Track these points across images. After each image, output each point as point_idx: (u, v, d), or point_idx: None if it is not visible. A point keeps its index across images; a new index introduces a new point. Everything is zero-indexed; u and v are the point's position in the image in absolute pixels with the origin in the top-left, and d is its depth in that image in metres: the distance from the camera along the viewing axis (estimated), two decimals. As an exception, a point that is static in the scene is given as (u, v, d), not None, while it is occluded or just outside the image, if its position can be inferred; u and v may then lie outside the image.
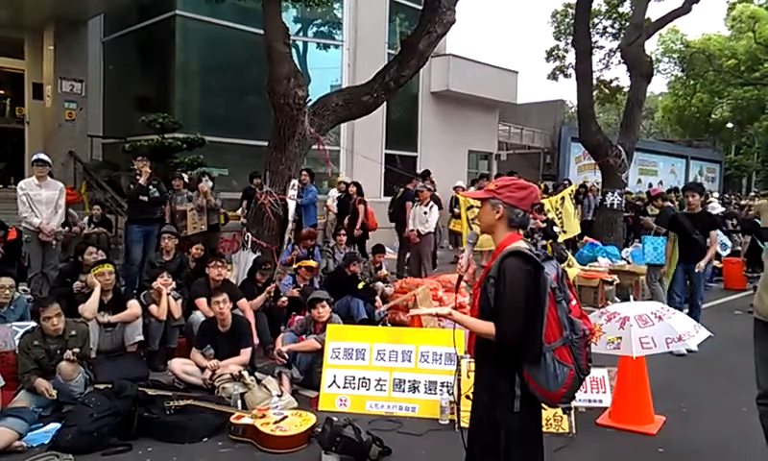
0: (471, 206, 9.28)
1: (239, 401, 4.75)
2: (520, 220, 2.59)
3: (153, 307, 5.80)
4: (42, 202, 7.02)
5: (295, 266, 7.54)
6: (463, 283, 2.90)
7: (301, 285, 7.21)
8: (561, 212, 10.39)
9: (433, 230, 9.96)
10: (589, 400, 5.00)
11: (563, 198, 10.80)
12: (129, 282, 7.37)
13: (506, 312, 2.41)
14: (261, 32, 7.46)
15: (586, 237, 11.67)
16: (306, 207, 9.86)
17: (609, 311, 4.93)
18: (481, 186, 11.29)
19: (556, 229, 9.94)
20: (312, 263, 7.50)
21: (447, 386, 4.90)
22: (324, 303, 5.59)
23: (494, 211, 2.58)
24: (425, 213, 9.70)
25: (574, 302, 2.51)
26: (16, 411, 4.24)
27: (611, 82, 23.87)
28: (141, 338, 5.63)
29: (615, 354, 4.60)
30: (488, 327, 2.45)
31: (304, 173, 9.64)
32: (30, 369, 4.56)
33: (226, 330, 5.37)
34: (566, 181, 14.71)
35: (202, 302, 6.00)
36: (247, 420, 4.36)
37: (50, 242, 7.05)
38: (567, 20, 22.64)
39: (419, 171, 16.48)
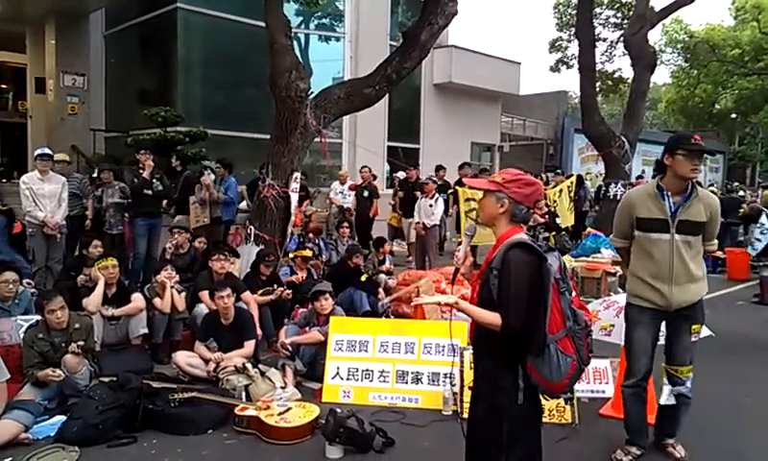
0: (468, 199, 9.27)
1: (243, 393, 4.77)
2: (523, 215, 2.58)
3: (157, 300, 5.82)
4: (45, 196, 7.04)
5: (291, 256, 7.57)
6: (461, 276, 2.89)
7: (298, 274, 7.24)
8: (556, 203, 10.41)
9: (438, 223, 9.97)
10: (592, 391, 5.02)
11: (561, 190, 10.81)
12: (133, 276, 7.39)
13: (511, 303, 2.39)
14: (263, 24, 7.45)
15: (589, 229, 11.66)
16: (228, 203, 9.06)
17: (609, 299, 4.96)
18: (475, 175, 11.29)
19: (558, 220, 9.94)
20: (307, 253, 7.51)
21: (450, 377, 4.92)
22: (327, 295, 5.61)
23: (499, 205, 2.56)
24: (431, 206, 9.73)
25: (573, 293, 2.52)
26: (22, 404, 4.27)
27: (613, 73, 23.77)
28: (145, 331, 5.65)
29: (606, 341, 4.64)
30: (494, 317, 2.43)
31: (217, 165, 9.25)
32: (34, 363, 4.58)
33: (229, 323, 5.39)
34: (559, 171, 14.63)
35: (205, 295, 6.01)
36: (251, 412, 4.38)
37: (54, 236, 7.07)
38: (570, 11, 22.54)
39: (421, 163, 16.55)
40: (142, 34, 13.99)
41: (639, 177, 14.74)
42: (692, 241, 3.62)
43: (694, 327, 3.71)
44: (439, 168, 11.41)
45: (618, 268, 9.17)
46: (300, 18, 14.88)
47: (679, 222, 3.57)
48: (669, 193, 3.59)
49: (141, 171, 7.61)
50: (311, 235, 8.74)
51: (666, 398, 3.83)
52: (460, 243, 2.96)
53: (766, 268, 9.18)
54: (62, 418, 4.28)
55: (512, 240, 2.48)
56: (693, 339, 3.73)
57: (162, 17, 13.05)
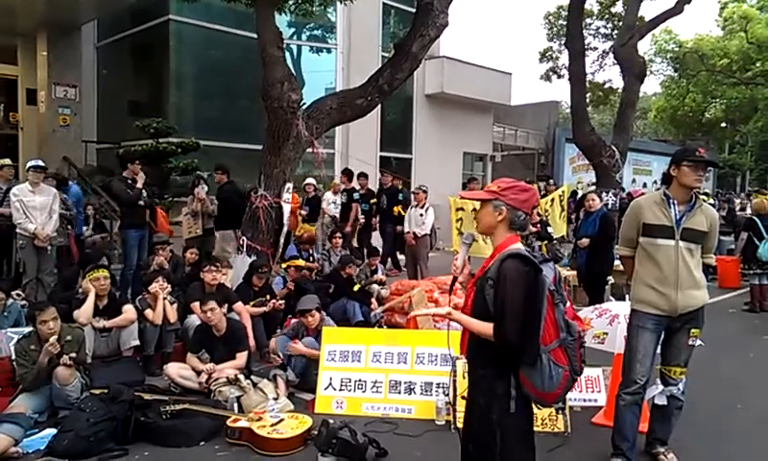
0: (458, 208, 9.30)
1: (235, 405, 4.76)
2: (522, 222, 2.59)
3: (148, 312, 5.80)
4: (36, 207, 6.98)
5: (284, 266, 7.56)
6: (458, 285, 2.90)
7: (290, 283, 7.23)
8: (548, 213, 10.43)
9: (429, 232, 9.99)
10: (584, 400, 5.03)
11: (552, 199, 10.83)
12: (123, 287, 7.36)
13: (507, 314, 2.39)
14: (255, 36, 7.47)
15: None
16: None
17: (601, 307, 4.98)
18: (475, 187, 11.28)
19: (549, 229, 9.97)
20: (300, 263, 7.50)
21: (443, 387, 4.92)
22: (314, 311, 5.60)
23: (497, 213, 2.56)
24: (421, 215, 9.75)
25: (567, 303, 2.53)
26: (12, 417, 4.23)
27: (603, 84, 23.92)
28: (137, 343, 5.63)
29: (599, 349, 4.68)
30: (487, 327, 2.44)
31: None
32: (29, 368, 4.56)
33: (221, 335, 5.37)
34: (551, 181, 14.68)
35: (197, 306, 5.97)
36: (243, 423, 4.36)
37: (45, 247, 7.03)
38: (560, 22, 22.70)
39: (413, 173, 16.61)
40: (134, 45, 14.00)
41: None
42: (694, 249, 3.77)
43: (693, 331, 3.81)
44: (360, 175, 11.26)
45: (610, 276, 9.22)
46: (293, 30, 14.95)
47: (683, 229, 3.72)
48: (675, 201, 3.76)
49: (132, 182, 7.58)
50: (307, 245, 8.74)
51: (658, 396, 3.90)
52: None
53: (756, 276, 9.26)
54: (53, 431, 4.25)
55: (508, 251, 2.48)
56: (691, 343, 3.83)
57: (155, 29, 13.06)
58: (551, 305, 2.43)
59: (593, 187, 13.22)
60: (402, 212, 10.45)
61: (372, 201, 10.92)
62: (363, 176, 11.09)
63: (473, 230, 3.08)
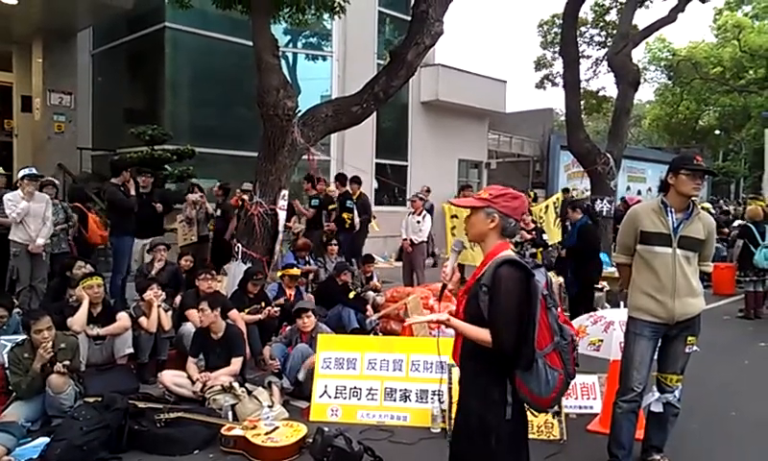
0: (453, 216, 9.30)
1: (230, 413, 4.74)
2: (512, 229, 2.61)
3: (143, 320, 5.78)
4: (30, 215, 6.96)
5: (279, 274, 7.55)
6: (447, 292, 2.89)
7: (287, 293, 7.21)
8: (543, 220, 10.43)
9: (426, 240, 9.97)
10: (580, 407, 5.04)
11: (546, 206, 10.85)
12: (115, 293, 7.33)
13: (503, 321, 2.41)
14: (251, 43, 7.48)
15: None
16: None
17: (596, 314, 5.00)
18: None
19: (544, 236, 9.98)
20: (295, 272, 7.47)
21: (439, 395, 4.91)
22: (309, 313, 5.59)
23: (489, 220, 2.58)
24: (418, 223, 9.75)
25: (559, 308, 2.54)
26: (4, 426, 4.20)
27: (597, 92, 24.06)
28: (131, 351, 5.60)
29: (594, 356, 4.69)
30: (485, 333, 2.44)
31: None
32: (22, 376, 4.53)
33: (218, 338, 5.34)
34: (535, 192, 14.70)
35: (192, 313, 5.98)
36: (238, 431, 4.35)
37: (39, 254, 7.00)
38: (555, 30, 22.86)
39: (409, 180, 16.63)
40: (130, 53, 13.98)
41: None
42: (691, 257, 3.77)
43: (690, 338, 3.82)
44: (319, 180, 10.28)
45: (605, 283, 9.23)
46: (288, 37, 14.96)
47: (680, 237, 3.72)
48: (673, 209, 3.75)
49: (122, 189, 7.56)
50: (303, 252, 8.73)
51: (654, 404, 3.89)
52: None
53: (751, 283, 9.29)
54: (46, 440, 4.21)
55: (502, 257, 2.50)
56: (687, 350, 3.83)
57: (150, 36, 13.06)
58: (545, 310, 2.44)
59: (573, 193, 13.24)
60: (347, 219, 9.74)
61: (330, 207, 10.05)
62: (321, 181, 10.32)
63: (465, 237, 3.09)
